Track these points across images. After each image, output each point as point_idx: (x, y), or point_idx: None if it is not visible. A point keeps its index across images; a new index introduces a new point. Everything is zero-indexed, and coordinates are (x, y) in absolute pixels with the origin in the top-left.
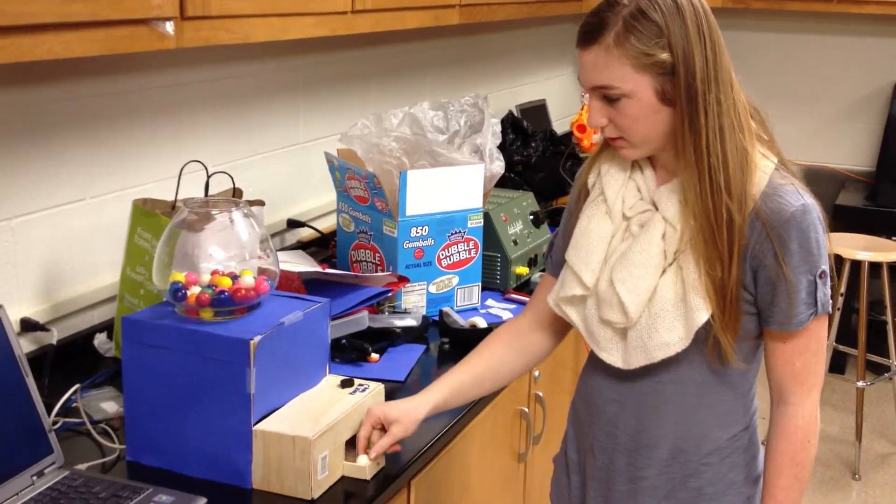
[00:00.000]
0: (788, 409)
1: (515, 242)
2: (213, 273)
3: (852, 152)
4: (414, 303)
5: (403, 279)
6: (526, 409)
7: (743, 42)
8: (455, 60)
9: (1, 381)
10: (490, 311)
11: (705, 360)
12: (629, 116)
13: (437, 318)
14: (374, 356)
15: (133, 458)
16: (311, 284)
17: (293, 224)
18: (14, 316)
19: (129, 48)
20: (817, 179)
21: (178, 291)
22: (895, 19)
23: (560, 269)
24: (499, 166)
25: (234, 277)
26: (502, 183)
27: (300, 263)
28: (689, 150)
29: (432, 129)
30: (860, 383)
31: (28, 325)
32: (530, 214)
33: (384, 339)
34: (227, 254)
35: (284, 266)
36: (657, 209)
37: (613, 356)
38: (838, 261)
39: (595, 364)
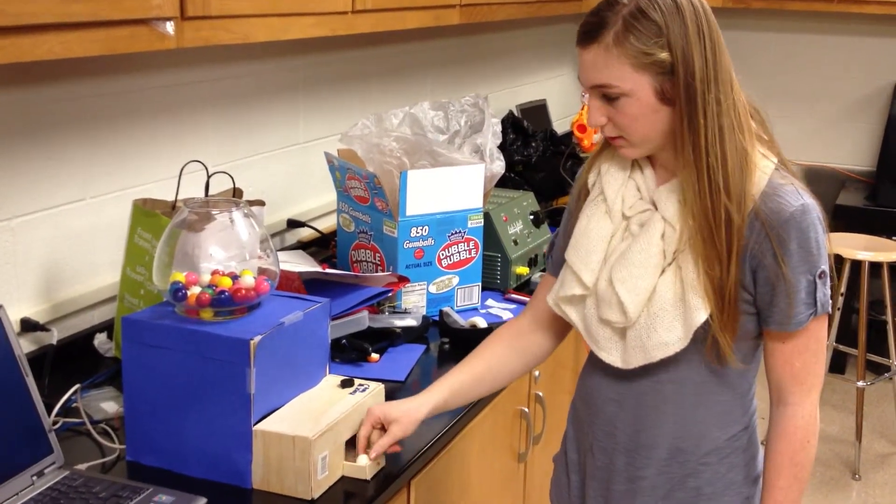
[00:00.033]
0: (788, 410)
1: (516, 242)
2: (214, 273)
3: (852, 152)
4: (414, 303)
5: (403, 279)
6: (526, 409)
7: (743, 42)
8: (455, 60)
9: (1, 381)
10: (490, 311)
11: (704, 360)
12: (628, 115)
13: (437, 318)
14: (375, 356)
15: (133, 458)
16: (312, 284)
17: (293, 224)
18: (14, 316)
19: (129, 48)
20: (817, 179)
21: (178, 291)
22: (895, 19)
23: (560, 268)
24: (499, 166)
25: (235, 277)
26: (502, 183)
27: (300, 263)
28: (687, 150)
29: (433, 129)
30: (860, 383)
31: (28, 325)
32: (530, 214)
33: (384, 339)
34: (227, 254)
35: (285, 266)
36: (657, 209)
37: (612, 356)
38: (838, 261)
39: (594, 364)
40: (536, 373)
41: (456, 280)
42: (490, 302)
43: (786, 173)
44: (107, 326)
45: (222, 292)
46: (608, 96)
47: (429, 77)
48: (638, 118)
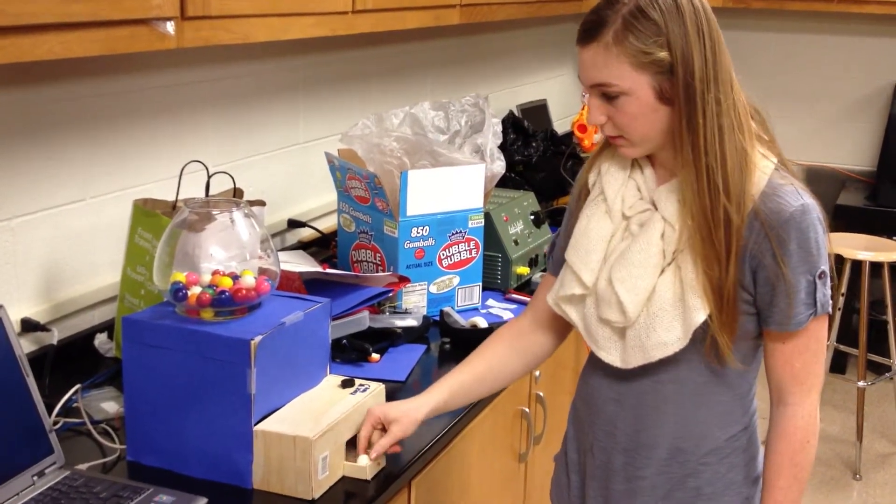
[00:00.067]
0: (788, 410)
1: (516, 242)
2: (214, 273)
3: (853, 152)
4: (415, 303)
5: (404, 279)
6: (527, 409)
7: (743, 42)
8: (455, 60)
9: (1, 382)
10: (491, 311)
11: (703, 361)
12: (627, 114)
13: (437, 319)
14: (375, 356)
15: (133, 458)
16: (312, 284)
17: (294, 224)
18: (14, 316)
19: (129, 48)
20: (818, 179)
21: (178, 291)
22: (895, 19)
23: (561, 268)
24: (499, 166)
25: (235, 277)
26: (503, 183)
27: (301, 263)
28: (687, 150)
29: (433, 129)
30: (861, 383)
31: (28, 326)
32: (531, 214)
33: (385, 339)
34: (227, 254)
35: (285, 266)
36: (656, 209)
37: (612, 355)
38: (839, 261)
39: (595, 364)
40: (537, 373)
41: (456, 280)
42: (491, 302)
43: (786, 173)
44: (107, 326)
45: (223, 292)
46: (607, 95)
47: (429, 77)
48: (637, 117)
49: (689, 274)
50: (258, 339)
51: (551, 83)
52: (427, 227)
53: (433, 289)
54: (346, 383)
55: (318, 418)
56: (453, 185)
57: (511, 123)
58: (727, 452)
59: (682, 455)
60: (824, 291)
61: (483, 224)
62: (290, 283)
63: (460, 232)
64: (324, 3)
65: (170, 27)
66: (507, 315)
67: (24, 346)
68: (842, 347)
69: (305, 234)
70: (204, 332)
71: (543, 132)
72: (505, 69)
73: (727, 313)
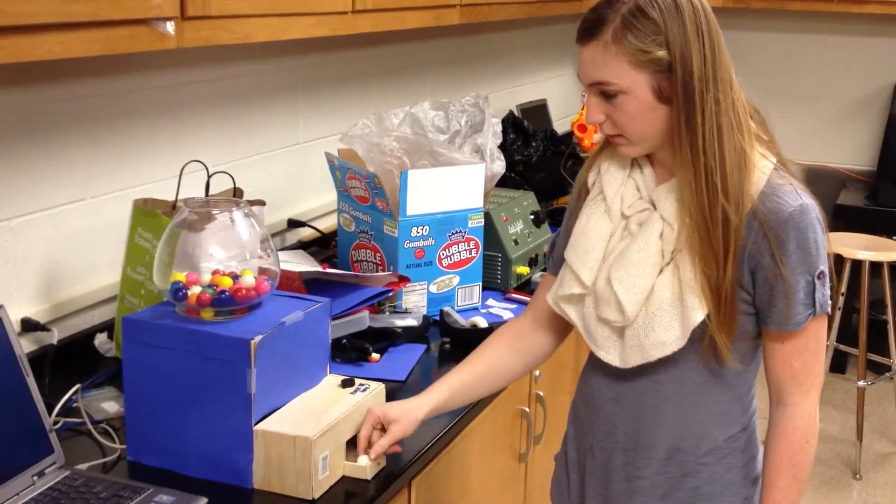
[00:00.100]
0: (787, 410)
1: (516, 242)
2: (214, 273)
3: (853, 152)
4: (414, 302)
5: (404, 279)
6: (527, 409)
7: (743, 42)
8: (455, 60)
9: (1, 381)
10: (491, 310)
11: (702, 361)
12: (626, 113)
13: (437, 318)
14: (375, 356)
15: (134, 457)
16: (312, 284)
17: (294, 224)
18: (14, 316)
19: (129, 48)
20: (818, 179)
21: (178, 291)
22: (895, 19)
23: (561, 267)
24: (499, 166)
25: (235, 277)
26: (503, 182)
27: (301, 263)
28: (685, 149)
29: (433, 129)
30: (861, 383)
31: (28, 325)
32: (531, 214)
33: (385, 338)
34: (227, 253)
35: (285, 266)
36: (656, 208)
37: (611, 355)
38: (839, 260)
39: (594, 363)
40: (537, 372)
41: (456, 280)
42: (490, 302)
43: (785, 173)
44: (107, 326)
45: (223, 292)
46: (606, 93)
47: (429, 77)
48: (636, 116)
49: (687, 273)
50: (258, 338)
51: (551, 83)
52: (427, 227)
53: (433, 288)
54: (346, 383)
55: (319, 418)
56: (453, 185)
57: (511, 123)
58: (726, 453)
59: (680, 455)
60: (823, 291)
61: (483, 224)
62: (290, 283)
63: (460, 232)
64: (324, 3)
65: (170, 27)
66: (507, 315)
67: (24, 346)
68: (842, 347)
69: (305, 233)
70: (204, 331)
71: (543, 132)
72: (505, 69)
73: (725, 313)
